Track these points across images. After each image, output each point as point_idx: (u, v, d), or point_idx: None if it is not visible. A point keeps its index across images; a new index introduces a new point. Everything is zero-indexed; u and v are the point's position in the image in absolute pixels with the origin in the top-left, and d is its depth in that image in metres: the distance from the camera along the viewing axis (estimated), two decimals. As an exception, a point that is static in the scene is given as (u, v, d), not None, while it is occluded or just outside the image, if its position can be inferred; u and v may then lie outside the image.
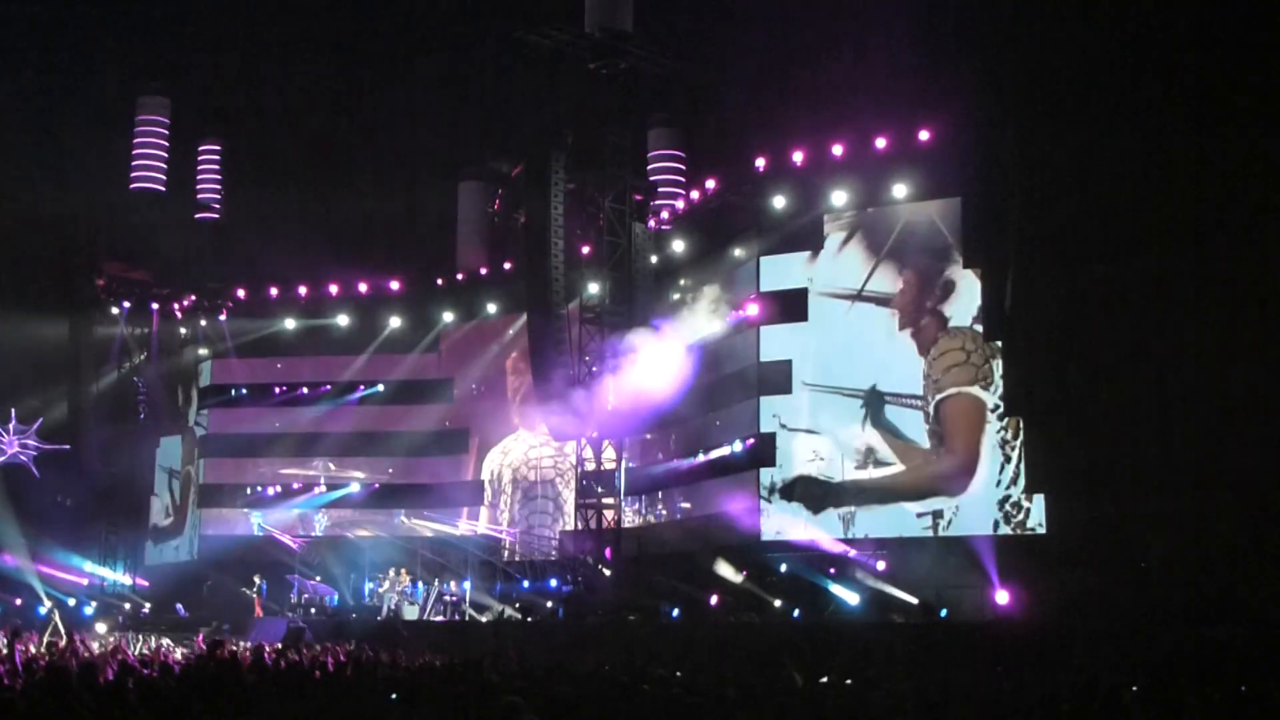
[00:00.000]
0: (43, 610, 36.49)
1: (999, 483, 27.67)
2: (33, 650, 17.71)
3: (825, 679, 15.78)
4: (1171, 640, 20.31)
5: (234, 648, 20.06)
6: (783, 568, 29.50)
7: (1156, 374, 24.90)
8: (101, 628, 34.72)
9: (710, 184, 33.47)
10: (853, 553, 28.63)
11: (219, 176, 49.41)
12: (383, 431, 42.33)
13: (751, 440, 31.36)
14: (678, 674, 17.16)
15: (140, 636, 29.26)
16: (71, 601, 40.77)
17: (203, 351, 44.79)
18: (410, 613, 33.72)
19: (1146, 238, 24.98)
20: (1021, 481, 27.31)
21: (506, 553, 38.63)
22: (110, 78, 47.40)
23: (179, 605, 38.44)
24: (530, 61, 32.53)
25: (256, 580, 36.98)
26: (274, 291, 43.00)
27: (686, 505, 34.74)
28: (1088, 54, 25.56)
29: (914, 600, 26.46)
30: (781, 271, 31.27)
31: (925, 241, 29.48)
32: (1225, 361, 24.03)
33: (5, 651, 16.39)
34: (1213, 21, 24.25)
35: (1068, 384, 26.10)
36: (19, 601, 40.84)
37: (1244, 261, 24.17)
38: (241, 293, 43.69)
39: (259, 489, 43.19)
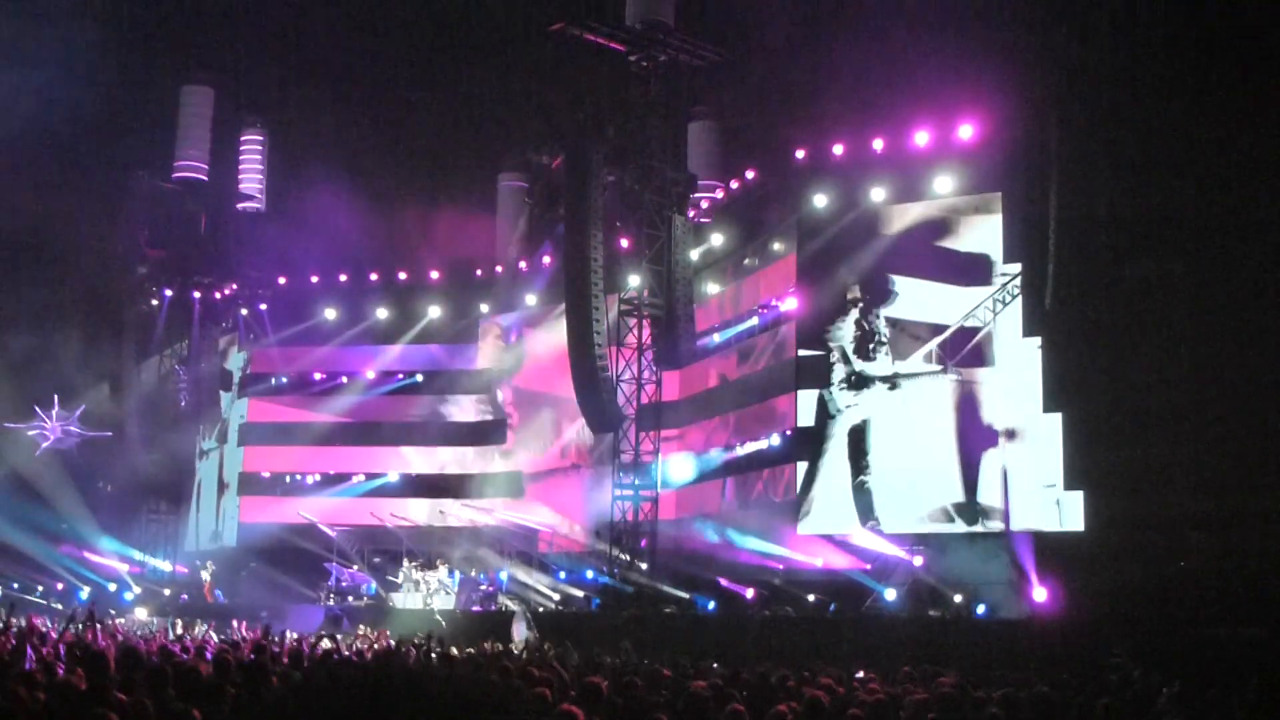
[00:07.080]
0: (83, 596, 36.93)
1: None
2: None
3: (860, 674, 15.79)
4: (1208, 640, 20.18)
5: (273, 637, 20.19)
6: (819, 563, 29.48)
7: (1197, 372, 24.68)
8: (142, 613, 35.09)
9: (749, 175, 33.45)
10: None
11: (262, 166, 49.69)
12: (421, 421, 42.52)
13: (789, 432, 31.30)
14: (715, 666, 17.23)
15: (179, 622, 29.55)
16: (112, 587, 41.23)
17: (243, 340, 45.14)
18: (404, 600, 33.99)
19: (1190, 235, 24.78)
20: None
21: (543, 543, 38.70)
22: (156, 67, 47.76)
23: (218, 591, 38.80)
24: (571, 55, 32.61)
25: (210, 564, 37.78)
26: (314, 280, 43.26)
27: (723, 497, 34.69)
28: (1132, 48, 25.37)
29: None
30: (820, 265, 31.12)
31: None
32: (1267, 361, 23.80)
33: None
34: (1260, 19, 24.00)
35: (1108, 381, 25.91)
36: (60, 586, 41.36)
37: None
38: (282, 281, 43.96)
39: (298, 477, 43.49)
